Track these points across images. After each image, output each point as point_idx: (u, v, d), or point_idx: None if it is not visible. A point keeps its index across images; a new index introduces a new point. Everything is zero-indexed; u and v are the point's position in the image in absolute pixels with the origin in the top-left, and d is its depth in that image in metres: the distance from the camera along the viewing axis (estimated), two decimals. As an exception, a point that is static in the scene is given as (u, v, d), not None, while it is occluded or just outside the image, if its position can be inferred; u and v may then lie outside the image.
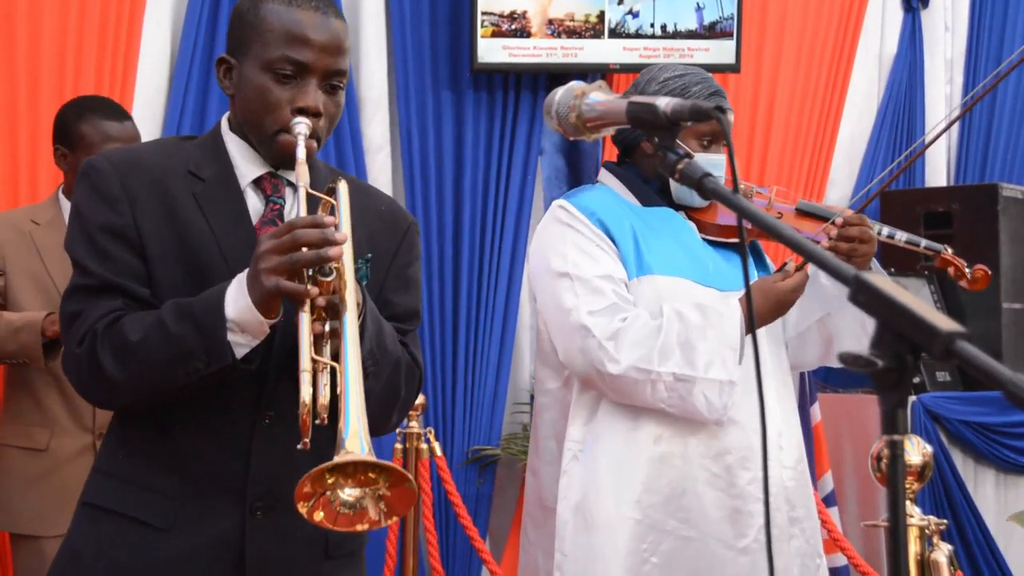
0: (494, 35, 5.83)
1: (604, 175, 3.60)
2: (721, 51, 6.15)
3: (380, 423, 2.58)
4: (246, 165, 2.58)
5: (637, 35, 6.03)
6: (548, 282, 3.43)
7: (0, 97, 4.98)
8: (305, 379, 2.26)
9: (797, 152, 6.68)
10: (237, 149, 2.59)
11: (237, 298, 2.35)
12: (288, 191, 2.60)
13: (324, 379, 2.30)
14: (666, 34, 6.07)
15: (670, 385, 3.30)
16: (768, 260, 3.76)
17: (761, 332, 3.51)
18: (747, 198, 3.65)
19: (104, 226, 2.48)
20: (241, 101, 2.56)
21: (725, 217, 3.56)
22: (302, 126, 2.48)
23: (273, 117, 2.51)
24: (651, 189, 3.53)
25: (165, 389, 2.42)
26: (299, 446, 2.26)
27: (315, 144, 2.53)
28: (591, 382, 3.38)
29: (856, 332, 3.60)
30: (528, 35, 5.88)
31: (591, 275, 3.36)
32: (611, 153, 6.14)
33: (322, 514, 2.22)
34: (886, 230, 3.65)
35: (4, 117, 4.98)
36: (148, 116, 5.17)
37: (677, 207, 3.54)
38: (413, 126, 5.89)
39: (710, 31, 6.13)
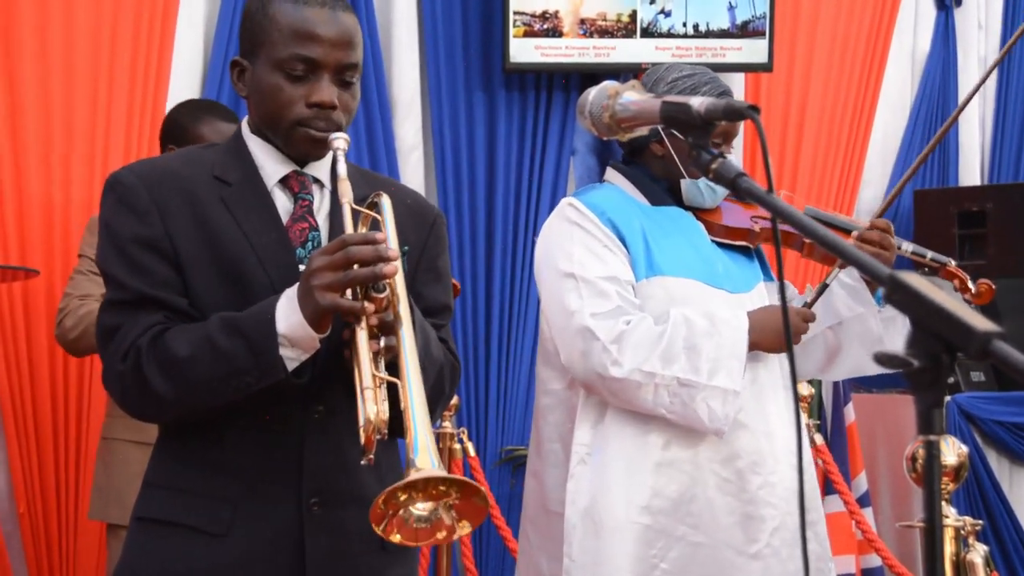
0: (526, 35, 5.82)
1: (611, 174, 3.57)
2: (754, 50, 6.13)
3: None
4: (271, 165, 2.58)
5: (669, 35, 6.02)
6: (553, 282, 3.41)
7: (35, 97, 5.00)
8: (368, 396, 2.27)
9: (830, 151, 6.65)
10: (260, 150, 2.60)
11: (288, 314, 2.36)
12: (315, 187, 2.61)
13: (382, 394, 2.30)
14: (698, 33, 6.05)
15: (673, 390, 3.26)
16: (770, 267, 3.74)
17: None
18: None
19: (135, 238, 2.48)
20: (256, 102, 2.58)
21: (732, 219, 3.54)
22: (340, 141, 2.50)
23: (288, 112, 2.52)
24: (660, 189, 3.51)
25: (213, 403, 2.42)
26: (363, 462, 2.28)
27: (344, 139, 2.52)
28: (592, 387, 3.35)
29: (864, 345, 3.58)
30: (560, 35, 5.88)
31: (596, 276, 3.33)
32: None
33: (399, 535, 2.24)
34: (894, 241, 3.64)
35: (39, 117, 5.00)
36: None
37: (685, 208, 3.53)
38: (445, 126, 5.89)
39: (742, 30, 6.11)
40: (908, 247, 3.71)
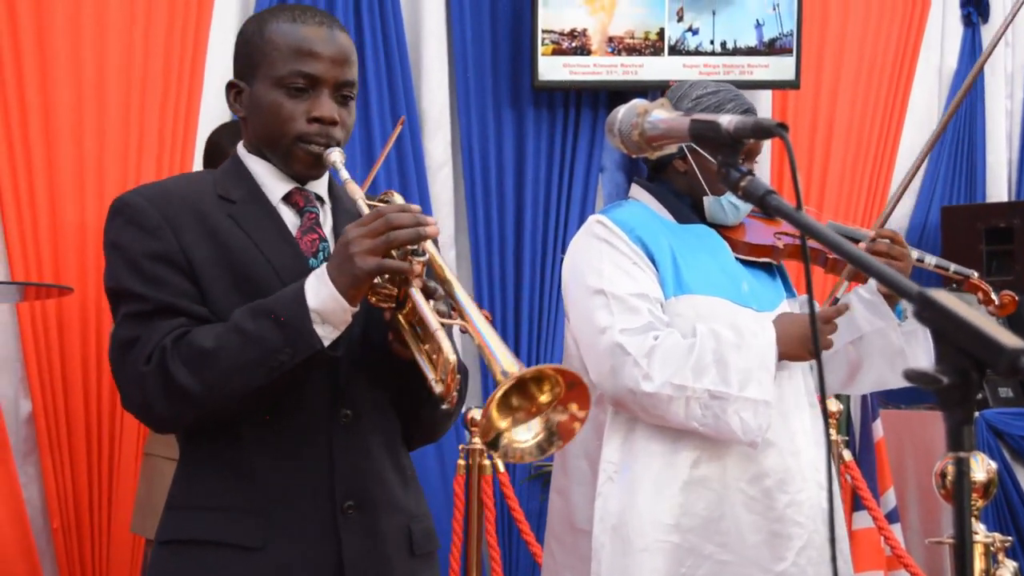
0: (555, 53, 5.84)
1: (636, 191, 3.57)
2: (781, 67, 6.15)
3: (443, 430, 2.71)
4: (272, 183, 2.59)
5: (697, 52, 6.03)
6: (582, 299, 3.41)
7: (68, 116, 5.03)
8: (442, 337, 2.29)
9: (857, 168, 6.65)
10: (260, 168, 2.60)
11: (319, 289, 2.36)
12: (317, 203, 2.63)
13: (440, 343, 2.31)
14: (726, 51, 6.07)
15: (705, 403, 3.26)
16: (792, 285, 3.74)
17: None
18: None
19: (149, 254, 2.46)
20: (255, 121, 2.59)
21: (756, 236, 3.54)
22: (335, 154, 2.52)
23: (289, 128, 2.53)
24: (685, 206, 3.51)
25: (243, 393, 2.39)
26: (445, 405, 2.32)
27: (339, 152, 2.54)
28: (623, 402, 3.34)
29: (885, 358, 3.58)
30: (588, 53, 5.90)
31: (627, 293, 3.34)
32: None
33: (529, 446, 2.27)
34: (916, 253, 3.64)
35: (72, 136, 5.03)
36: (217, 122, 5.21)
37: (709, 225, 3.54)
38: (475, 143, 5.91)
39: (770, 48, 6.13)
40: (931, 260, 3.71)
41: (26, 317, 4.90)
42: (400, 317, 2.42)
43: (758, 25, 6.11)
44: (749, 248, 3.53)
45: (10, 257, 4.93)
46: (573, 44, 5.87)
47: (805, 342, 3.34)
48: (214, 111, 5.20)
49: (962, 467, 1.51)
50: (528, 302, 5.94)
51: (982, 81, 7.05)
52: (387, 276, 2.39)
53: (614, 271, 3.37)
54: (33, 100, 4.97)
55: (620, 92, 5.89)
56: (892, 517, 5.63)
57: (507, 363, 2.22)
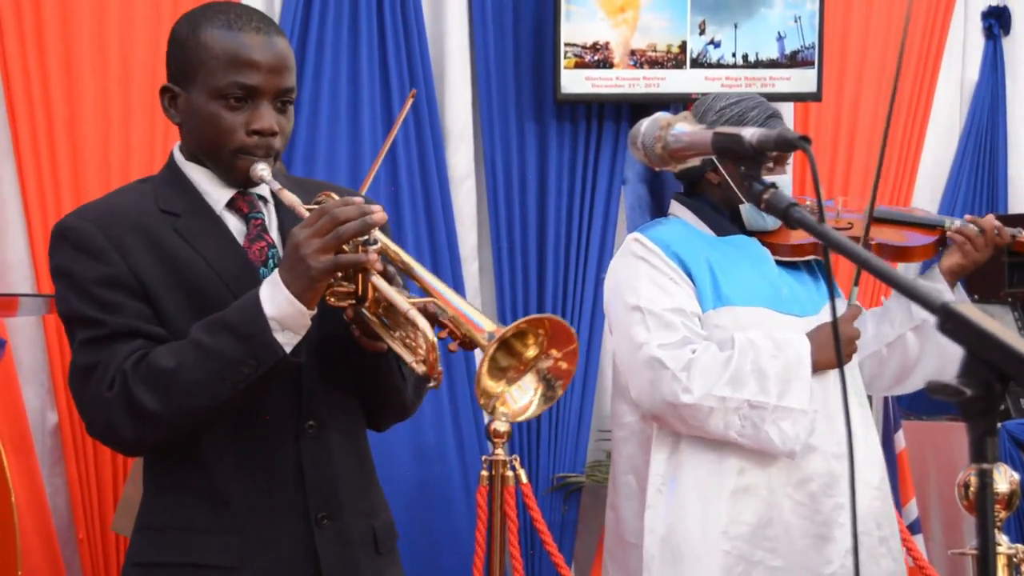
0: (577, 66, 5.85)
1: (676, 207, 3.60)
2: (803, 80, 6.15)
3: (413, 404, 2.67)
4: (214, 190, 2.54)
5: (719, 65, 6.03)
6: (621, 316, 3.45)
7: (92, 115, 5.09)
8: (415, 314, 2.27)
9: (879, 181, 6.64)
10: (200, 177, 2.54)
11: (274, 295, 2.31)
12: (262, 205, 2.59)
13: (415, 321, 2.29)
14: (748, 63, 6.07)
15: (744, 413, 3.30)
16: (837, 286, 3.76)
17: None
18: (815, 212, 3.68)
19: (99, 279, 2.40)
20: (193, 130, 2.52)
21: (797, 236, 3.56)
22: (261, 170, 2.46)
23: (228, 140, 2.47)
24: (724, 219, 3.54)
25: (208, 410, 2.35)
26: (431, 384, 2.30)
27: (272, 164, 2.50)
28: (662, 416, 3.37)
29: (939, 358, 3.60)
30: (611, 66, 5.91)
31: (662, 309, 3.37)
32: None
33: (533, 403, 2.29)
34: (986, 240, 3.66)
35: (98, 154, 5.08)
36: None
37: (750, 233, 3.56)
38: (497, 156, 5.92)
39: (792, 60, 6.13)
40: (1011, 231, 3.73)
41: (52, 329, 4.94)
42: (364, 311, 2.39)
43: (780, 38, 6.11)
44: (791, 249, 3.55)
45: (37, 270, 4.98)
46: (595, 57, 5.88)
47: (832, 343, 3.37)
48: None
49: (985, 478, 1.50)
50: (551, 312, 5.87)
51: (1003, 93, 7.03)
52: (343, 273, 2.36)
53: (650, 288, 3.41)
54: (59, 113, 5.02)
55: (642, 105, 5.90)
56: (914, 528, 5.63)
57: (488, 325, 2.23)
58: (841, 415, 3.46)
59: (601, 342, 6.04)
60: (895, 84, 3.71)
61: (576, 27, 5.87)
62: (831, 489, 3.40)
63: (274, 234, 2.57)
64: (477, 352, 2.25)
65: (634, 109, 6.01)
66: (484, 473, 5.02)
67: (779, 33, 6.12)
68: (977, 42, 7.01)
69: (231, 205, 2.55)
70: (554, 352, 2.28)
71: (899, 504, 5.61)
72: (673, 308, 3.38)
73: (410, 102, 4.96)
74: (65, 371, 4.79)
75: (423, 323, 2.26)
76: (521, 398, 2.29)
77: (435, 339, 2.25)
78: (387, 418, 2.70)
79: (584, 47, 5.88)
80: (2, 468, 4.43)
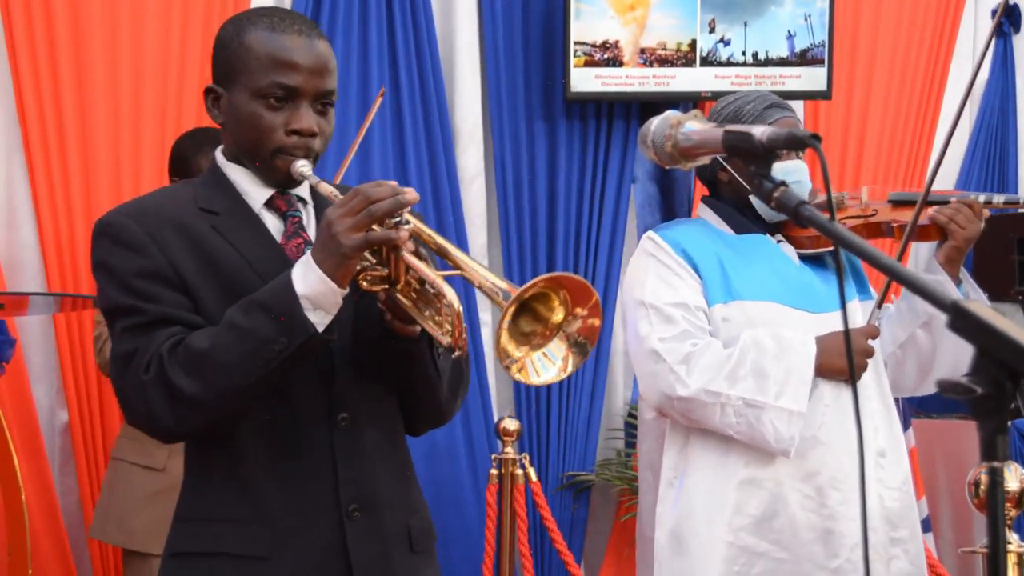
0: (587, 65, 5.84)
1: (702, 209, 3.64)
2: (813, 78, 6.14)
3: (449, 405, 2.65)
4: (254, 190, 2.57)
5: (729, 63, 6.03)
6: (630, 311, 3.51)
7: (103, 116, 5.09)
8: (442, 283, 2.29)
9: (889, 178, 6.61)
10: (240, 177, 2.58)
11: (306, 274, 2.33)
12: (300, 205, 2.61)
13: (441, 290, 2.30)
14: (757, 62, 6.07)
15: (739, 410, 3.33)
16: (864, 274, 3.76)
17: None
18: (840, 205, 3.69)
19: (138, 271, 2.44)
20: (234, 130, 2.56)
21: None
22: (301, 167, 2.50)
23: (269, 140, 2.50)
24: (746, 218, 3.55)
25: (243, 389, 2.36)
26: (456, 353, 2.31)
27: (304, 163, 2.51)
28: (662, 408, 3.43)
29: (955, 352, 3.59)
30: (620, 64, 5.90)
31: (665, 303, 3.42)
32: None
33: (558, 369, 2.29)
34: (983, 196, 3.66)
35: (109, 153, 5.08)
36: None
37: (774, 227, 3.56)
38: (507, 155, 5.92)
39: (801, 58, 6.12)
40: (999, 199, 3.72)
41: (62, 328, 4.96)
42: (397, 294, 2.40)
43: (790, 36, 6.10)
44: (813, 241, 3.56)
45: (47, 268, 4.99)
46: (605, 56, 5.87)
47: (841, 355, 3.39)
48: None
49: (995, 477, 1.50)
50: None
51: (1013, 91, 7.02)
52: (376, 256, 2.39)
53: (656, 282, 3.45)
54: (69, 112, 5.02)
55: (652, 103, 5.89)
56: (924, 526, 5.61)
57: (506, 285, 2.23)
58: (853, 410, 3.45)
59: (611, 341, 6.04)
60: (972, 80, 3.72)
61: (585, 25, 5.86)
62: (839, 483, 3.41)
63: (311, 232, 2.59)
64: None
65: (644, 108, 6.01)
66: (494, 471, 5.04)
67: (789, 31, 6.11)
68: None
69: (269, 204, 2.58)
70: (579, 310, 2.27)
71: (909, 502, 5.60)
72: (676, 302, 3.41)
73: (379, 101, 4.98)
74: (75, 370, 4.86)
75: (449, 291, 2.27)
76: (546, 368, 2.29)
77: (460, 308, 2.26)
78: (422, 418, 2.69)
79: (594, 45, 5.88)
80: (12, 467, 4.44)
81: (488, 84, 5.93)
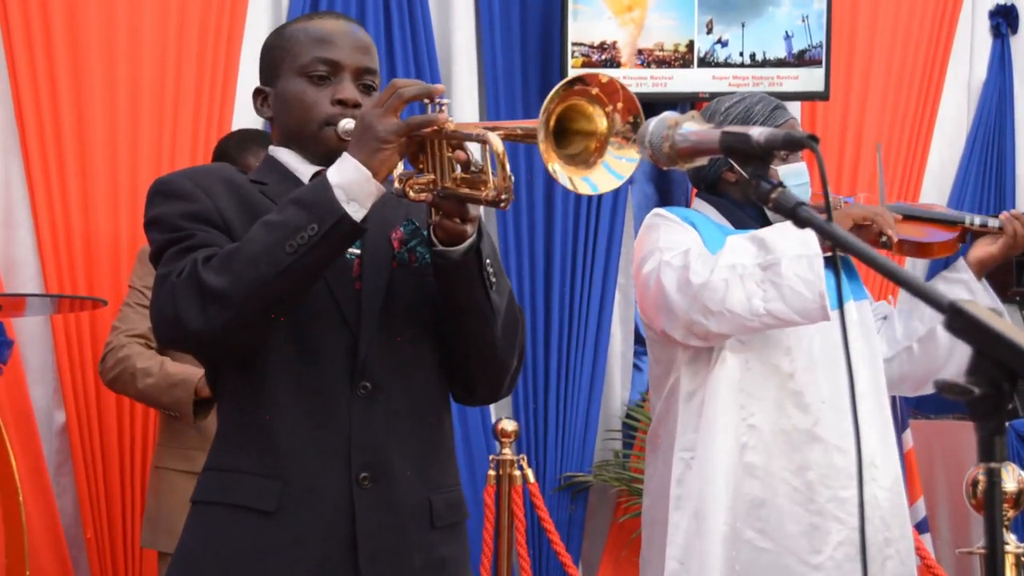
0: (584, 65, 5.82)
1: (698, 203, 3.63)
2: (810, 79, 6.14)
3: (506, 351, 2.61)
4: (302, 167, 2.61)
5: (726, 64, 6.03)
6: (641, 269, 3.47)
7: (102, 134, 5.07)
8: (488, 132, 2.30)
9: (886, 179, 6.62)
10: (289, 157, 2.64)
11: (341, 166, 2.36)
12: None
13: (487, 139, 2.31)
14: (755, 63, 6.07)
15: (759, 278, 3.26)
16: (859, 276, 3.76)
17: (856, 351, 3.51)
18: (836, 208, 3.67)
19: (186, 214, 2.48)
20: (282, 116, 2.64)
21: None
22: (346, 122, 2.53)
23: (315, 113, 2.57)
24: (746, 214, 3.55)
25: (270, 280, 2.33)
26: (503, 203, 2.32)
27: (351, 120, 2.53)
28: (688, 318, 3.33)
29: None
30: (618, 65, 5.90)
31: (673, 242, 3.39)
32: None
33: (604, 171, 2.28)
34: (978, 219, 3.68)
35: (106, 152, 5.07)
36: (249, 122, 5.23)
37: None
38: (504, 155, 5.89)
39: (799, 59, 6.12)
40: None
41: (60, 329, 4.95)
42: (449, 184, 2.40)
43: (787, 37, 6.10)
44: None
45: (44, 269, 4.98)
46: (603, 56, 5.88)
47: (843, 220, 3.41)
48: (247, 119, 5.21)
49: (993, 477, 1.50)
50: (558, 311, 5.93)
51: (1011, 93, 7.01)
52: (419, 156, 2.40)
53: (667, 235, 3.43)
54: (67, 113, 5.02)
55: (650, 104, 5.80)
56: (922, 527, 5.62)
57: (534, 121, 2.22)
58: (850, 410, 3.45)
59: (608, 342, 6.04)
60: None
61: (583, 26, 5.86)
62: (829, 480, 3.41)
63: None
64: None
65: (641, 108, 5.98)
66: (491, 473, 5.04)
67: (787, 32, 6.11)
68: (984, 41, 6.99)
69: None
70: (610, 107, 2.28)
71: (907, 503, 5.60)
72: (687, 246, 3.38)
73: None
74: (72, 371, 4.85)
75: (493, 136, 2.29)
76: (606, 178, 2.29)
77: (504, 149, 2.28)
78: (477, 367, 2.64)
79: (591, 46, 5.88)
80: (10, 468, 4.44)
81: (485, 85, 5.92)
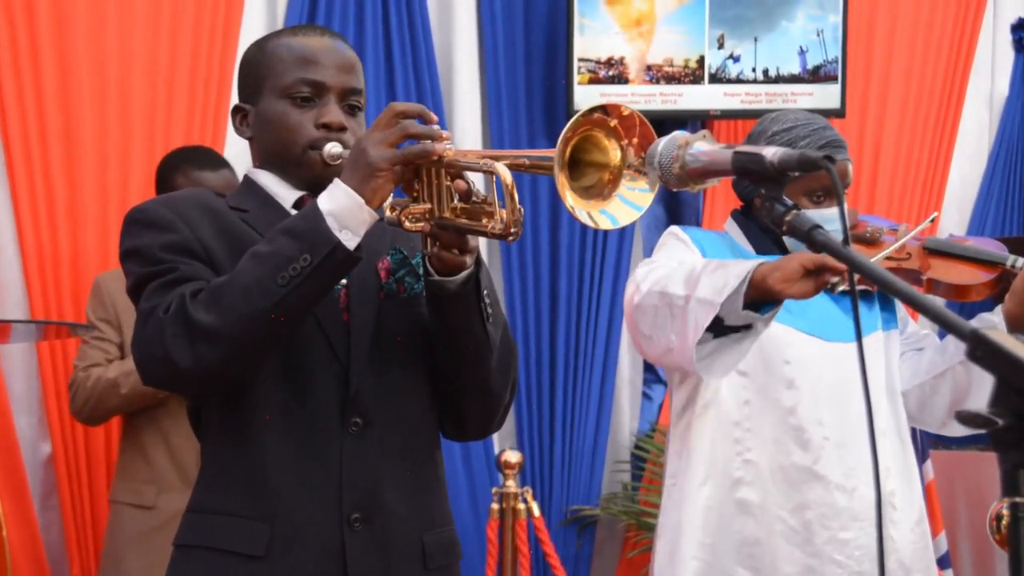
0: (591, 82, 5.79)
1: (729, 224, 3.51)
2: (826, 95, 6.06)
3: (500, 385, 2.58)
4: (284, 191, 2.56)
5: (738, 80, 5.96)
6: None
7: (90, 133, 5.04)
8: (493, 162, 2.24)
9: (905, 198, 6.56)
10: (270, 180, 2.57)
11: (332, 193, 2.30)
12: None
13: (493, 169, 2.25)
14: (768, 79, 5.99)
15: (688, 307, 3.05)
16: (895, 304, 3.58)
17: (876, 385, 3.39)
18: (876, 239, 3.51)
19: (165, 245, 2.42)
20: (263, 136, 2.57)
21: None
22: (333, 148, 2.49)
23: (298, 136, 2.51)
24: (769, 240, 3.40)
25: (261, 315, 2.27)
26: (511, 237, 2.28)
27: (337, 144, 2.50)
28: (633, 336, 3.27)
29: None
30: (626, 81, 5.84)
31: (665, 261, 3.26)
32: (712, 203, 6.04)
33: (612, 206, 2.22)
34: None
35: (96, 181, 5.05)
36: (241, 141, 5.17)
37: None
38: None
39: (814, 75, 6.05)
40: None
41: (46, 356, 4.94)
42: (448, 215, 2.35)
43: (802, 52, 6.05)
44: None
45: (30, 296, 4.97)
46: (610, 72, 5.83)
47: (792, 272, 3.00)
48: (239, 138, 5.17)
49: (1018, 512, 1.50)
50: (564, 339, 5.91)
51: (1034, 109, 6.93)
52: (415, 183, 2.35)
53: (666, 254, 3.33)
54: (55, 133, 5.00)
55: (659, 122, 5.78)
56: (944, 563, 5.52)
57: (550, 153, 2.17)
58: (860, 446, 3.34)
59: (616, 368, 6.01)
60: None
61: (590, 41, 5.81)
62: (828, 520, 3.29)
63: None
64: None
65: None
66: (495, 506, 5.08)
67: (801, 47, 6.06)
68: (1006, 56, 6.98)
69: (299, 205, 2.55)
70: (625, 141, 2.22)
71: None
72: (671, 267, 3.24)
73: None
74: (58, 400, 4.88)
75: (500, 167, 2.23)
76: (624, 210, 2.24)
77: (512, 180, 2.22)
78: (471, 401, 2.60)
79: (598, 62, 5.83)
80: (-7, 502, 4.44)
81: (488, 102, 5.88)
